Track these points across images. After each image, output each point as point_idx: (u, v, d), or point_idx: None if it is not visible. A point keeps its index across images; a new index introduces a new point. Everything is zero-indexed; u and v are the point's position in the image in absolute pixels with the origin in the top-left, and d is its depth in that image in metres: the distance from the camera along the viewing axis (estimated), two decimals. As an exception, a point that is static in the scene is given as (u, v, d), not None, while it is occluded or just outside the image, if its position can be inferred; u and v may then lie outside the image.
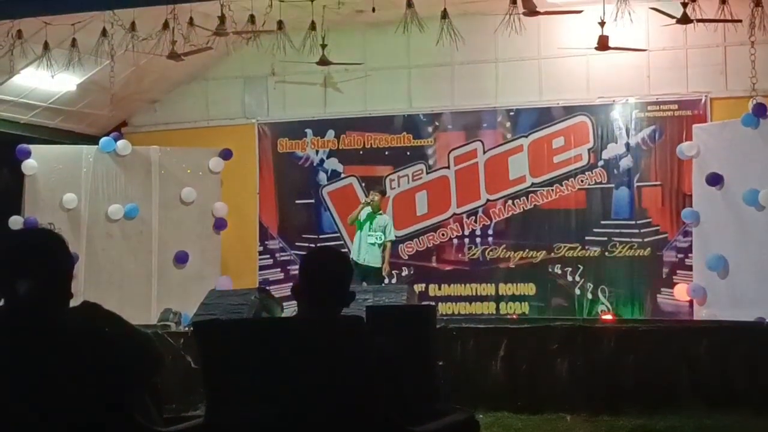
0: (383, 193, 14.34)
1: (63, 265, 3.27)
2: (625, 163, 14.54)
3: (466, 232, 15.16)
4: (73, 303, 3.30)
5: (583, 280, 14.55)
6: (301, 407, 3.76)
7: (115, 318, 3.32)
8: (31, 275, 3.16)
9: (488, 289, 14.99)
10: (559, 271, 14.68)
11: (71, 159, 14.70)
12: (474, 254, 15.14)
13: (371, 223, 13.66)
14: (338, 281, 4.12)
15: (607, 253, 14.50)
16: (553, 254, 14.69)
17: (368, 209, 13.71)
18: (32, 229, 3.37)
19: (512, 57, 14.74)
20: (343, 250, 12.35)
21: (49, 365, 3.08)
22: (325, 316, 4.01)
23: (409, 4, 12.15)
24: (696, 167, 13.42)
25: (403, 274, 15.27)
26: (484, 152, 15.11)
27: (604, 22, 12.59)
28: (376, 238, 13.64)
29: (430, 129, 15.40)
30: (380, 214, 13.85)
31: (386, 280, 14.07)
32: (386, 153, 15.56)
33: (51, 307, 3.19)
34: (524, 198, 14.92)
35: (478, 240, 15.12)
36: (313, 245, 14.78)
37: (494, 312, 14.74)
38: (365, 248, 13.57)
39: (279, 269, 15.64)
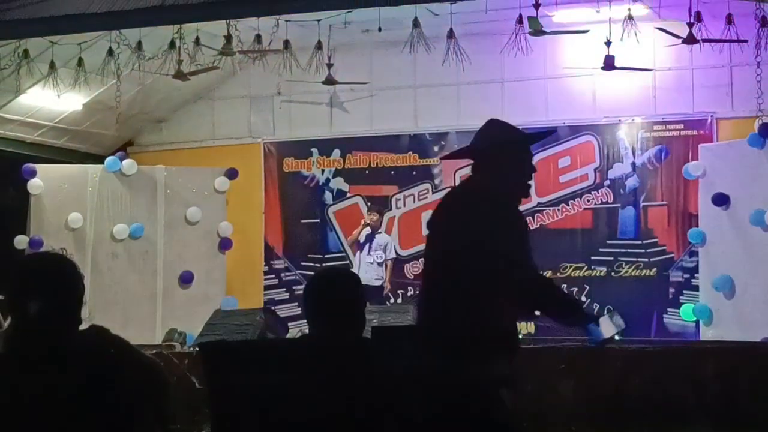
0: (380, 212, 14.34)
1: (74, 290, 3.29)
2: (631, 182, 14.50)
3: (472, 252, 15.08)
4: (81, 327, 3.32)
5: (589, 300, 14.49)
6: (307, 428, 3.74)
7: (122, 342, 3.33)
8: (43, 298, 3.19)
9: (494, 308, 14.91)
10: (565, 291, 14.61)
11: (77, 178, 14.71)
12: (480, 274, 15.05)
13: (371, 244, 13.72)
14: (349, 303, 4.07)
15: (613, 273, 14.46)
16: (559, 274, 14.62)
17: (368, 230, 13.78)
18: (47, 253, 3.38)
19: (518, 77, 14.71)
20: (351, 270, 12.33)
21: (55, 388, 3.07)
22: (335, 337, 3.98)
23: (416, 24, 12.19)
24: (702, 187, 13.40)
25: (409, 293, 15.21)
26: (490, 172, 15.04)
27: (611, 42, 12.60)
28: (376, 257, 13.68)
29: (436, 148, 15.35)
30: (379, 233, 13.92)
31: (390, 300, 14.06)
32: (392, 172, 15.53)
33: (60, 329, 3.20)
34: (530, 218, 14.82)
35: (484, 260, 15.03)
36: (318, 265, 14.77)
37: (500, 332, 14.66)
38: (364, 268, 13.59)
39: (284, 289, 15.57)
